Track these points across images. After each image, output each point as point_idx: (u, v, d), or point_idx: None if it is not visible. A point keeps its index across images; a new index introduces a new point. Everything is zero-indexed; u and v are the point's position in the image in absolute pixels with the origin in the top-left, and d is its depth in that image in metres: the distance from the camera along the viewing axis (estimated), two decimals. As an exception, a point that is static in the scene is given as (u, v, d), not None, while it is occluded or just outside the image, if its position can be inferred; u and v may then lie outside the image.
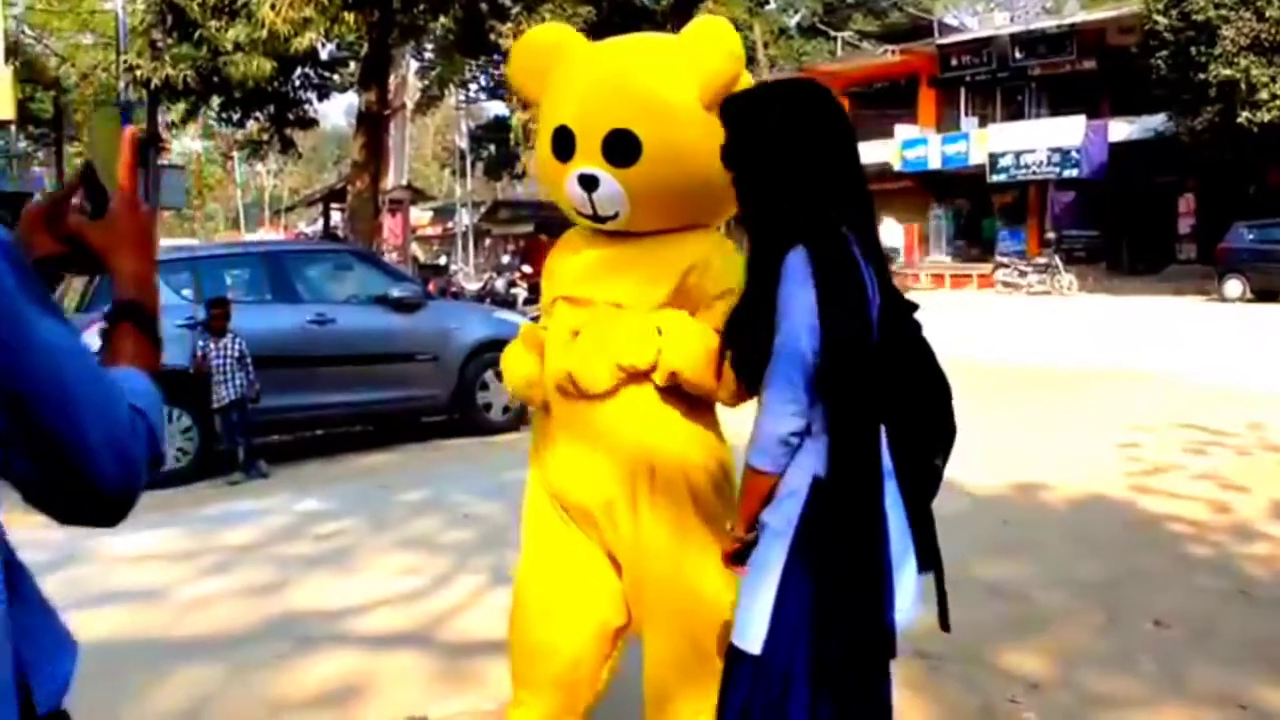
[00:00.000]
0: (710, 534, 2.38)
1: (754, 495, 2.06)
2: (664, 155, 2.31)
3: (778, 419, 1.96)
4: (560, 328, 2.45)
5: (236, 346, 7.39)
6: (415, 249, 36.23)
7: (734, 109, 2.13)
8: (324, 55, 20.18)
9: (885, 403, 2.03)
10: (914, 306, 2.14)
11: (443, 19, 16.86)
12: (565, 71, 2.46)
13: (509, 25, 17.27)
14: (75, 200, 1.19)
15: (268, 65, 15.75)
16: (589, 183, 2.34)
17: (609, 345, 2.34)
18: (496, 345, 8.86)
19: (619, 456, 2.40)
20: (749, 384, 2.13)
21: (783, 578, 2.00)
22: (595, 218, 2.41)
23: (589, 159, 2.34)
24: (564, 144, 2.37)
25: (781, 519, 2.02)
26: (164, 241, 29.90)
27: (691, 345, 2.30)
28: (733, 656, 2.09)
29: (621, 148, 2.31)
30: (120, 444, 1.00)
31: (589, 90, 2.41)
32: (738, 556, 2.14)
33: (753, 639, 2.03)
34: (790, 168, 2.03)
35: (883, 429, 2.04)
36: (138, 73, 17.19)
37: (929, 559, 2.08)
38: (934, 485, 2.12)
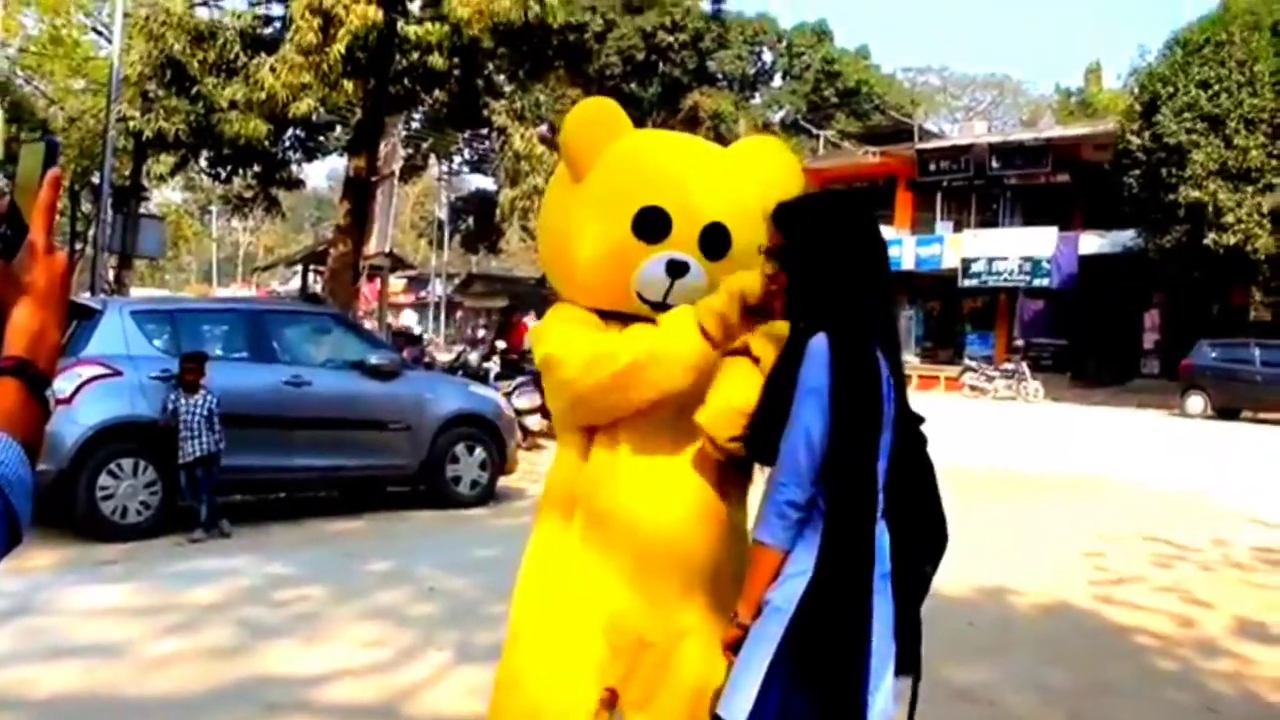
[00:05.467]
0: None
1: (761, 573, 2.09)
2: (745, 254, 2.33)
3: (778, 490, 2.04)
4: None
5: (207, 403, 7.32)
6: (391, 317, 36.18)
7: (792, 216, 2.22)
8: (314, 118, 20.39)
9: (890, 502, 2.10)
10: (920, 419, 2.22)
11: (437, 91, 17.10)
12: (630, 151, 2.46)
13: (502, 102, 17.59)
14: None
15: (263, 126, 15.83)
16: (679, 269, 2.32)
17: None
18: (470, 419, 8.95)
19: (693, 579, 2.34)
20: (765, 454, 2.16)
21: (776, 654, 2.02)
22: (660, 305, 2.35)
23: (684, 246, 2.34)
24: (656, 226, 2.34)
25: (784, 596, 2.05)
26: (139, 291, 29.68)
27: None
28: None
29: (716, 241, 2.35)
30: None
31: (686, 178, 2.42)
32: (739, 645, 2.13)
33: (738, 711, 2.04)
34: (836, 267, 2.15)
35: (886, 531, 2.08)
36: (130, 123, 17.26)
37: (909, 663, 2.12)
38: (922, 591, 2.17)
